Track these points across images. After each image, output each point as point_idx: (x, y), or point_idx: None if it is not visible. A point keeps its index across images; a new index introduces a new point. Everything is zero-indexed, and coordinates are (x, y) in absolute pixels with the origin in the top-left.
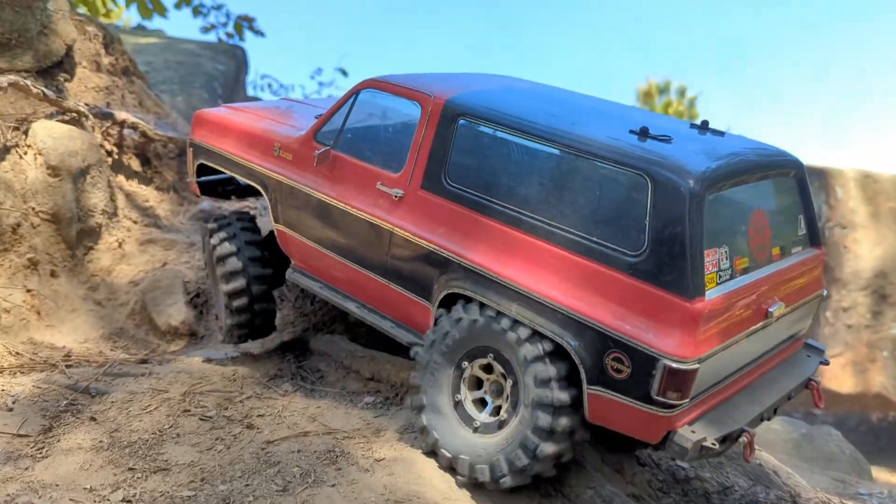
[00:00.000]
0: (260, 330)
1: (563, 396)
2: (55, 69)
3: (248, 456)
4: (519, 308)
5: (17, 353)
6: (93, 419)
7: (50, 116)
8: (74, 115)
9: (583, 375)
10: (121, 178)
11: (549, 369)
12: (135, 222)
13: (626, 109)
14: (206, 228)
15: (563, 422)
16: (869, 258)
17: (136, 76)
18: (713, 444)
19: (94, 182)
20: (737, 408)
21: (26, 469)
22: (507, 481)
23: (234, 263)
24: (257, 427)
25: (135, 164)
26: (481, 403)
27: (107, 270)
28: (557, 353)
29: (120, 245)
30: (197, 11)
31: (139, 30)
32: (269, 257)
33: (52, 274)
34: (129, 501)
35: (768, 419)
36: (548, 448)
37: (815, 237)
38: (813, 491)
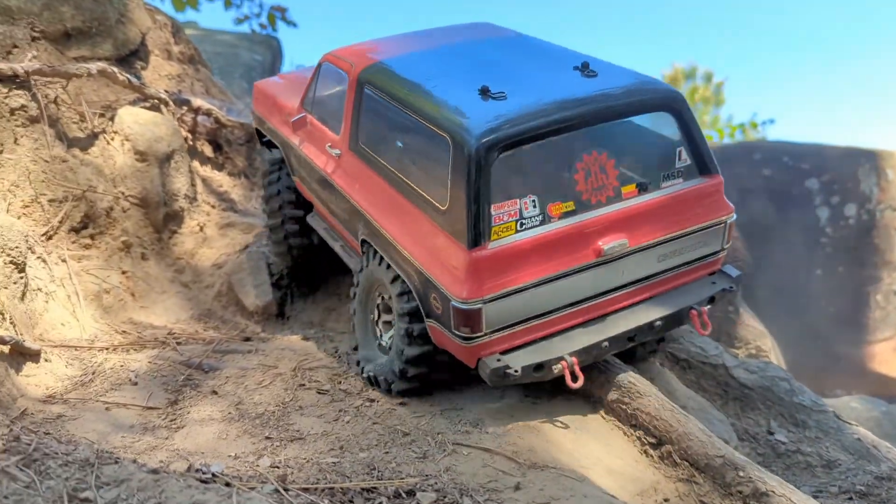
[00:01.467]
0: (299, 263)
1: (415, 326)
2: (132, 57)
3: (379, 427)
4: (390, 255)
5: (124, 332)
6: (214, 392)
7: (133, 103)
8: (155, 101)
9: (422, 310)
10: (196, 164)
11: (405, 305)
12: (213, 207)
13: (544, 60)
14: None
15: (417, 340)
16: None
17: (201, 65)
18: (515, 371)
19: (178, 167)
20: (567, 339)
21: (166, 439)
22: (396, 386)
23: (274, 203)
24: (376, 399)
25: (207, 151)
26: (388, 325)
27: (190, 253)
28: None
29: (201, 229)
30: (229, 3)
31: None
32: (302, 201)
33: (143, 257)
34: (277, 467)
35: (622, 349)
36: (411, 351)
37: (704, 166)
38: None
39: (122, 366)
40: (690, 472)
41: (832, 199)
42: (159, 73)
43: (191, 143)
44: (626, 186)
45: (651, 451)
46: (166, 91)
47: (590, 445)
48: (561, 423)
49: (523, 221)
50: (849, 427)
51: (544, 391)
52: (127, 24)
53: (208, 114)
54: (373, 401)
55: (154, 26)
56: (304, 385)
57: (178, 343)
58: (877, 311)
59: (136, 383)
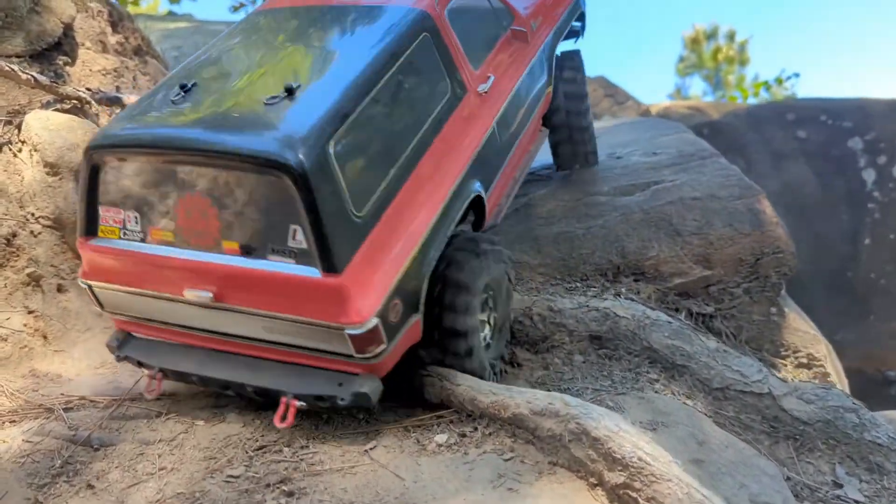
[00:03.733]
0: None
1: None
2: (53, 52)
3: None
4: None
5: (13, 394)
6: (90, 486)
7: (46, 106)
8: (75, 102)
9: None
10: None
11: None
12: None
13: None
14: None
15: None
16: None
17: (150, 56)
18: (119, 354)
19: None
20: (171, 354)
21: None
22: None
23: None
24: (297, 494)
25: None
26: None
27: None
28: None
29: None
30: None
31: (170, 16)
32: None
33: (59, 289)
34: None
35: (222, 391)
36: None
37: (327, 261)
38: None
39: None
40: None
41: (879, 158)
42: (91, 69)
43: None
44: (229, 242)
45: None
46: (89, 89)
47: None
48: None
49: (126, 232)
50: None
51: (527, 470)
52: (43, 13)
53: None
54: (291, 494)
55: (84, 14)
56: (213, 470)
57: (69, 409)
58: None
59: None
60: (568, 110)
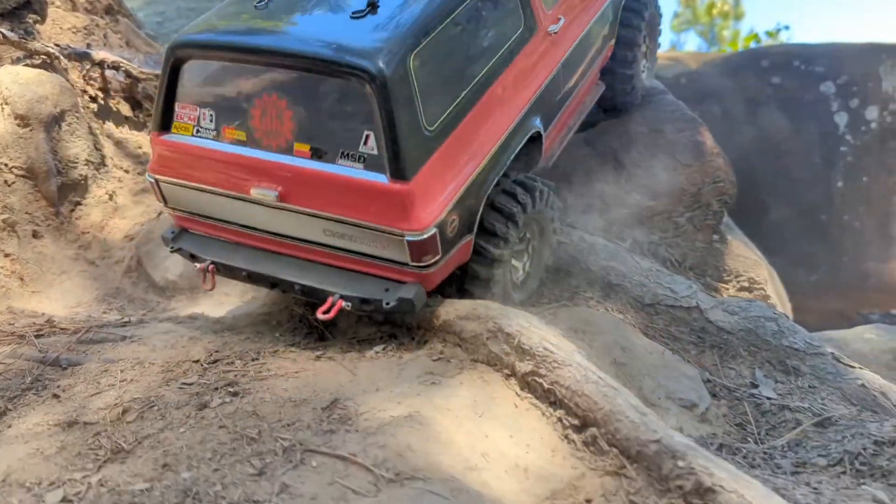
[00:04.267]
0: None
1: None
2: (22, 10)
3: (225, 431)
4: None
5: None
6: (55, 396)
7: (17, 62)
8: (44, 57)
9: None
10: (109, 125)
11: None
12: (127, 172)
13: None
14: None
15: None
16: None
17: (121, 14)
18: (173, 245)
19: (73, 130)
20: (221, 249)
21: None
22: None
23: None
24: (241, 394)
25: (124, 109)
26: None
27: (99, 226)
28: None
29: (111, 197)
30: None
31: None
32: None
33: (35, 235)
34: (70, 501)
35: (268, 287)
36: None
37: (396, 167)
38: None
39: None
40: (619, 463)
41: (851, 102)
42: (61, 27)
43: (102, 102)
44: (300, 144)
45: (574, 437)
46: (58, 45)
47: (492, 436)
48: (460, 407)
49: (199, 129)
50: (851, 371)
51: (451, 367)
52: None
53: (116, 67)
54: (236, 394)
55: None
56: (169, 380)
57: (40, 335)
58: None
59: None
60: (615, 57)
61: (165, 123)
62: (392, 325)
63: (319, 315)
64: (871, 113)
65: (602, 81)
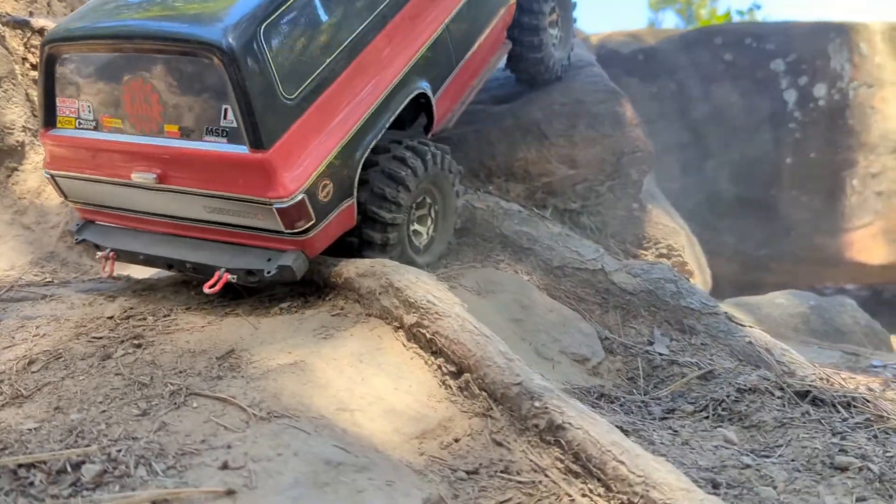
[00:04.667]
0: None
1: None
2: None
3: (120, 379)
4: None
5: None
6: None
7: None
8: None
9: None
10: None
11: None
12: None
13: None
14: None
15: None
16: None
17: None
18: (78, 236)
19: (9, 97)
20: (121, 236)
21: None
22: None
23: None
24: (145, 345)
25: None
26: None
27: (35, 192)
28: None
29: None
30: None
31: None
32: None
33: None
34: None
35: (165, 269)
36: None
37: (254, 138)
38: (811, 367)
39: None
40: (487, 405)
41: (800, 79)
42: None
43: None
44: (170, 125)
45: (450, 382)
46: None
47: (372, 382)
48: (346, 356)
49: (81, 121)
50: (741, 330)
51: (347, 321)
52: None
53: None
54: (140, 346)
55: None
56: (81, 335)
57: None
58: (853, 196)
59: None
60: (521, 24)
61: (50, 119)
62: (302, 285)
63: (206, 290)
64: (820, 90)
65: (508, 40)
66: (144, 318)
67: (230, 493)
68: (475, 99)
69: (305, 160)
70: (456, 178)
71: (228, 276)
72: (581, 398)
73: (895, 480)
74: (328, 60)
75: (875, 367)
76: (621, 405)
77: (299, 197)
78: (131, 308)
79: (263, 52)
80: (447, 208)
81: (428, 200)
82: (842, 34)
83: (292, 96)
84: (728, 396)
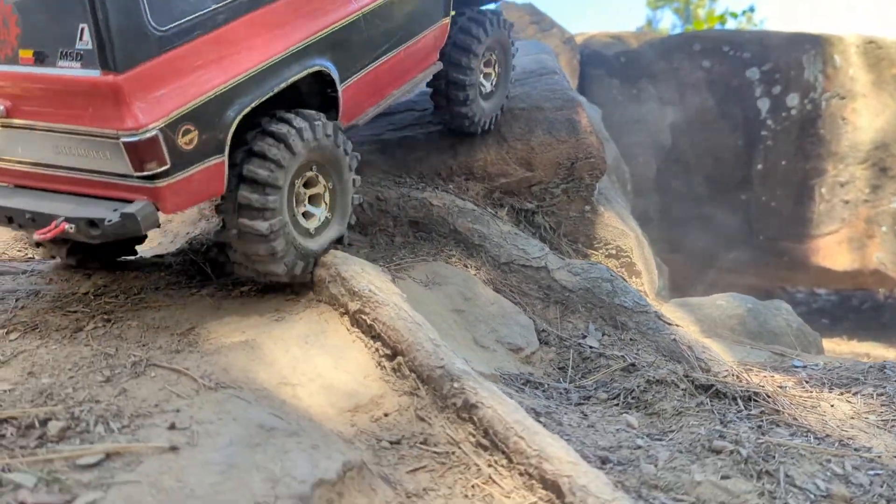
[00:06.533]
0: None
1: None
2: None
3: (89, 349)
4: None
5: None
6: None
7: None
8: None
9: None
10: None
11: None
12: None
13: None
14: None
15: None
16: (869, 129)
17: None
18: None
19: None
20: None
21: None
22: None
23: None
24: (114, 320)
25: None
26: None
27: None
28: None
29: None
30: None
31: None
32: None
33: None
34: None
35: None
36: None
37: (105, 58)
38: (726, 365)
39: None
40: (415, 385)
41: (773, 89)
42: None
43: None
44: (24, 50)
45: (385, 364)
46: None
47: (314, 361)
48: (293, 337)
49: None
50: (668, 328)
51: (299, 306)
52: None
53: None
54: (109, 321)
55: None
56: (58, 308)
57: None
58: (821, 204)
59: None
60: (448, 78)
61: None
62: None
63: (37, 237)
64: (793, 100)
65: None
66: (116, 296)
67: (174, 448)
68: None
69: (165, 97)
70: (353, 161)
71: (66, 226)
72: (508, 383)
73: (758, 463)
74: (216, 6)
75: (795, 366)
76: (544, 391)
77: (152, 133)
78: (104, 286)
79: None
80: (345, 193)
81: (321, 179)
82: (817, 46)
83: (162, 27)
84: (638, 387)
